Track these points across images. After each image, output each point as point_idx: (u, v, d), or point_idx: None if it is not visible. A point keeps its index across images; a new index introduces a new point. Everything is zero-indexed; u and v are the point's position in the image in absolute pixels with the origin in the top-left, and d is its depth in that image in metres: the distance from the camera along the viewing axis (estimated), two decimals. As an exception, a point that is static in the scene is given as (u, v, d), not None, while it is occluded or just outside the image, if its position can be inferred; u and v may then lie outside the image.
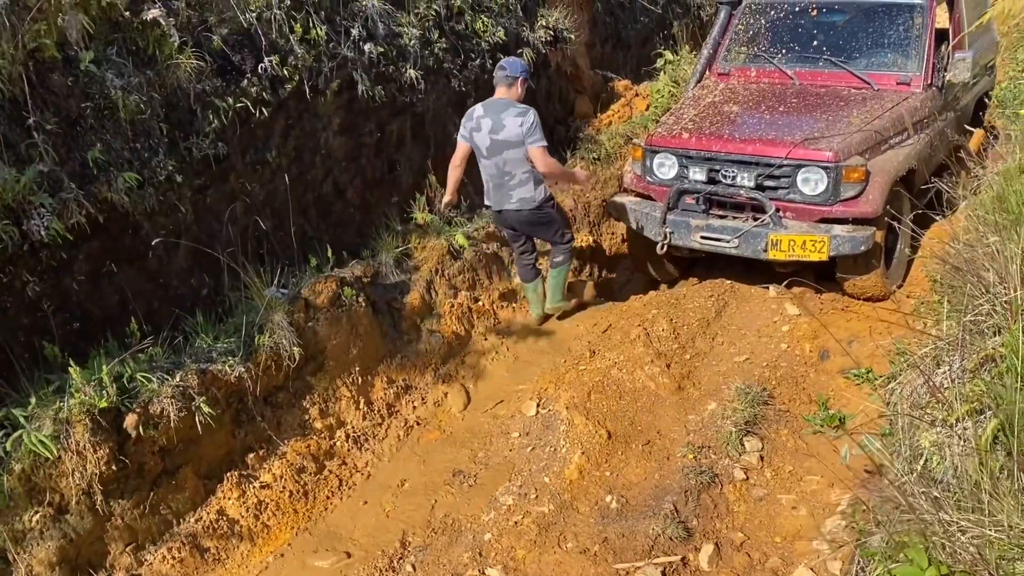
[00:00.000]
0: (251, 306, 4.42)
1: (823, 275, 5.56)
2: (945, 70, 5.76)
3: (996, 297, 2.45)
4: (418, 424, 4.75)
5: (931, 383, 2.37)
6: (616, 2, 7.96)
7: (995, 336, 2.43)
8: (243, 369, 4.10)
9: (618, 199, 5.91)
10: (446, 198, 5.37)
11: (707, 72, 6.52)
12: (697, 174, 5.40)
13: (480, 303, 5.58)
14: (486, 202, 5.27)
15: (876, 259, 5.15)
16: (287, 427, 4.38)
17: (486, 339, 5.39)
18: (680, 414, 4.57)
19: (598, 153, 7.05)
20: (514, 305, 5.78)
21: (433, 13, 5.71)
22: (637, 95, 7.83)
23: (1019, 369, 2.04)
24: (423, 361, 5.04)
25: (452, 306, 5.36)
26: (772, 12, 6.39)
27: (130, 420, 3.62)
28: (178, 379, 3.84)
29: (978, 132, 6.86)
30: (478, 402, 4.91)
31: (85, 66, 3.83)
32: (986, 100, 6.90)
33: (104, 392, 3.56)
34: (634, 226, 5.71)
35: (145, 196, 4.04)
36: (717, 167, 5.32)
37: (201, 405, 3.84)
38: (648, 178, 5.64)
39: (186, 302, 4.42)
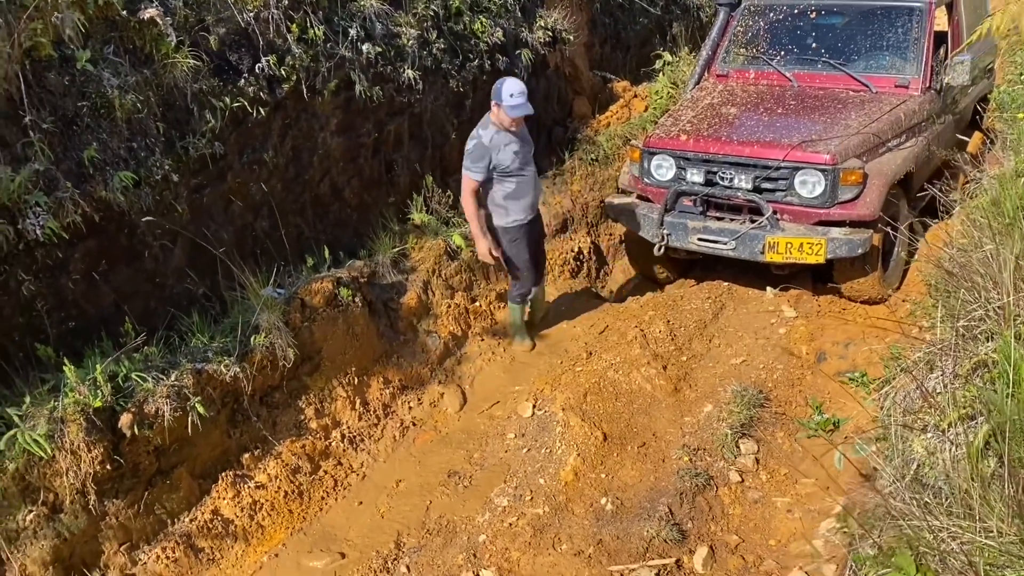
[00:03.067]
0: (247, 306, 4.42)
1: (820, 277, 5.56)
2: (944, 73, 5.75)
3: (989, 303, 2.45)
4: (414, 425, 4.75)
5: (924, 388, 2.37)
6: (615, 3, 7.95)
7: (988, 342, 2.43)
8: (238, 369, 4.10)
9: (616, 200, 5.92)
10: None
11: (706, 74, 6.52)
12: (695, 176, 5.40)
13: (477, 304, 5.58)
14: None
15: (873, 262, 5.15)
16: (282, 427, 4.38)
17: (483, 340, 5.39)
18: (676, 416, 4.57)
19: (596, 154, 7.05)
20: (511, 306, 5.77)
21: (431, 13, 5.70)
22: (636, 96, 7.82)
23: (1011, 375, 2.04)
24: (419, 362, 5.04)
25: (449, 307, 5.36)
26: (771, 14, 6.39)
27: (125, 420, 3.62)
28: (173, 379, 3.83)
29: (976, 135, 6.86)
30: (474, 403, 4.91)
31: (82, 65, 3.82)
32: (980, 106, 6.88)
33: (99, 391, 3.56)
34: (632, 227, 5.70)
35: (141, 195, 4.04)
36: (715, 169, 5.31)
37: (196, 405, 3.84)
38: (646, 179, 5.64)
39: (182, 302, 4.42)
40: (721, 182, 5.31)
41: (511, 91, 4.60)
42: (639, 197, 5.78)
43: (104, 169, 3.89)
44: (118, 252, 4.09)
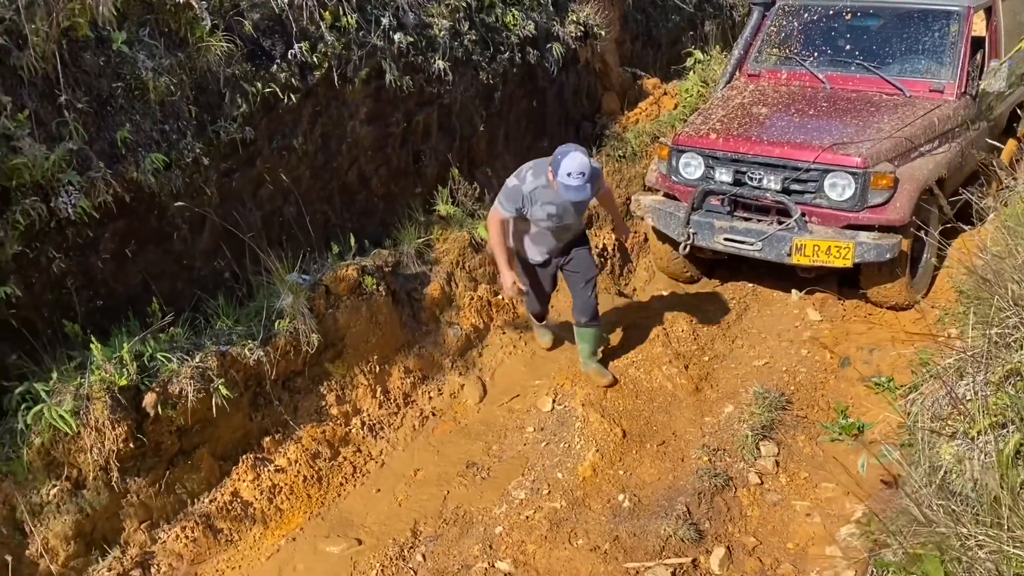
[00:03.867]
0: (272, 291, 4.45)
1: (846, 281, 5.51)
2: (980, 78, 5.67)
3: (1024, 310, 2.41)
4: (434, 415, 4.76)
5: (953, 395, 2.34)
6: (648, 0, 7.90)
7: (1021, 349, 2.39)
8: (262, 353, 4.13)
9: (642, 198, 5.87)
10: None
11: (737, 73, 6.47)
12: (723, 175, 5.36)
13: (499, 297, 5.57)
14: None
15: (902, 267, 5.09)
16: (303, 412, 4.41)
17: (504, 333, 5.39)
18: (696, 416, 4.55)
19: (624, 151, 7.01)
20: (534, 300, 5.77)
21: (464, 5, 5.69)
22: (666, 94, 7.77)
23: (1045, 384, 2.00)
24: (441, 352, 5.05)
25: (471, 299, 5.35)
26: (805, 15, 6.31)
27: (149, 399, 3.65)
28: (197, 360, 3.87)
29: (1011, 142, 6.75)
30: (494, 395, 4.91)
31: (117, 46, 3.85)
32: (1020, 111, 6.77)
33: (124, 370, 3.60)
34: (658, 225, 5.67)
35: (172, 177, 4.07)
36: (743, 169, 5.28)
37: (219, 387, 3.87)
38: (674, 177, 5.60)
39: (208, 284, 4.45)
40: (750, 182, 5.27)
41: (570, 169, 3.96)
42: (666, 195, 5.75)
43: (136, 150, 3.92)
44: (147, 233, 4.12)
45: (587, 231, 5.19)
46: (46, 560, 3.34)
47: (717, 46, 8.29)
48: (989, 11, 6.14)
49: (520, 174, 4.31)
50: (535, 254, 4.68)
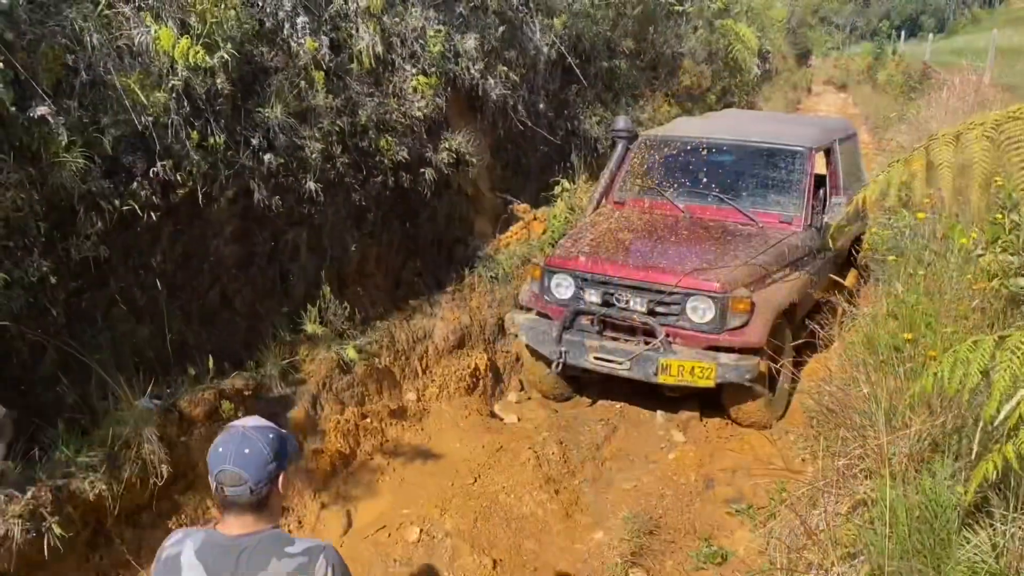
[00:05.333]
0: (120, 417, 4.15)
1: (708, 403, 5.68)
2: (823, 212, 6.14)
3: (867, 441, 2.53)
4: (293, 549, 4.47)
5: (806, 525, 2.39)
6: (517, 131, 8.24)
7: (867, 479, 2.49)
8: (104, 486, 3.81)
9: (516, 316, 5.99)
10: None
11: (604, 200, 6.75)
12: (592, 296, 5.53)
13: (368, 420, 5.42)
14: None
15: (761, 387, 5.28)
16: (148, 550, 4.04)
17: (372, 459, 5.21)
18: (567, 543, 4.49)
19: (496, 272, 7.14)
20: (403, 423, 5.64)
21: (337, 129, 5.75)
22: (535, 219, 8.03)
23: (888, 516, 2.08)
24: (303, 481, 4.81)
25: (338, 422, 5.17)
26: (666, 149, 6.73)
27: (-34, 544, 3.27)
28: (29, 496, 3.52)
29: (852, 272, 7.29)
30: (359, 527, 4.69)
31: (-40, 159, 3.64)
32: (855, 246, 7.33)
33: (-61, 512, 3.23)
34: (531, 343, 5.75)
35: (12, 297, 3.80)
36: (612, 290, 5.46)
37: (52, 526, 3.52)
38: (546, 297, 5.74)
39: (49, 412, 4.11)
40: (617, 303, 5.45)
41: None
42: (539, 314, 5.86)
43: (-27, 268, 3.66)
44: (-21, 356, 3.80)
45: None
46: None
47: (583, 175, 8.68)
48: (828, 152, 6.72)
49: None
50: None
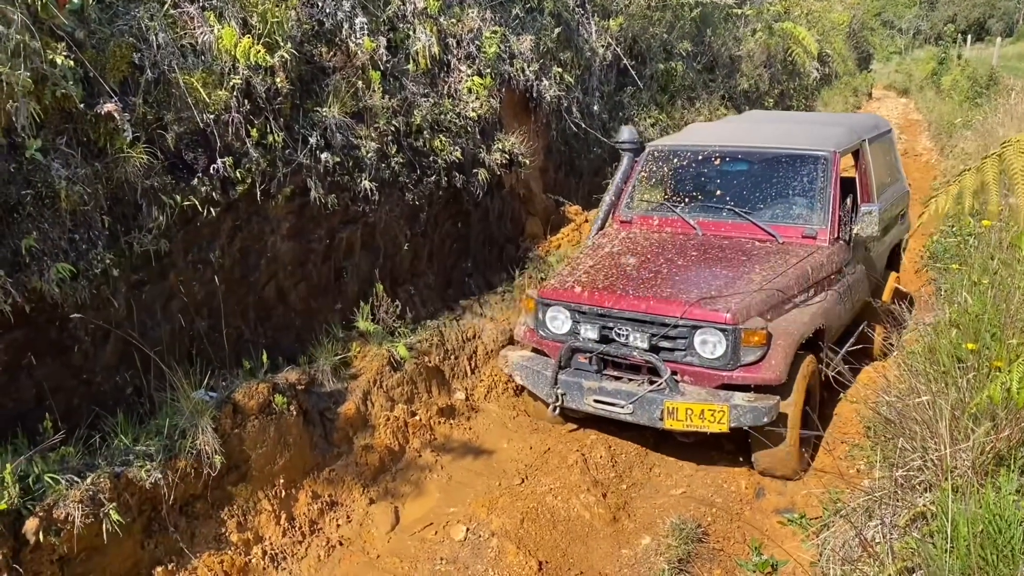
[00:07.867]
0: (176, 408, 4.25)
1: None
2: (853, 223, 5.54)
3: (927, 452, 2.46)
4: (341, 544, 4.52)
5: (862, 537, 2.34)
6: (571, 133, 8.23)
7: (926, 492, 2.42)
8: (160, 475, 3.90)
9: (510, 354, 5.45)
10: None
11: (610, 219, 6.26)
12: (589, 331, 4.99)
13: (417, 417, 5.46)
14: None
15: (785, 431, 4.66)
16: (201, 539, 4.14)
17: (420, 456, 5.24)
18: (613, 547, 4.45)
19: (546, 273, 7.13)
20: (452, 422, 5.67)
21: (392, 129, 5.81)
22: (587, 221, 8.01)
23: (949, 530, 2.02)
24: (352, 476, 4.86)
25: (388, 419, 5.22)
26: (675, 159, 6.11)
27: (30, 524, 3.38)
28: (89, 482, 3.62)
29: (892, 276, 6.69)
30: (406, 524, 4.72)
31: (31, 153, 3.76)
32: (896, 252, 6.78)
33: (4, 493, 3.33)
34: (526, 384, 5.30)
35: (77, 288, 3.92)
36: (610, 324, 4.90)
37: (110, 511, 3.61)
38: (541, 332, 5.23)
39: (108, 400, 4.24)
40: (617, 339, 4.88)
41: None
42: (534, 350, 5.37)
43: (41, 259, 3.78)
44: (46, 345, 3.93)
45: None
46: None
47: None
48: (857, 154, 6.05)
49: None
50: None
